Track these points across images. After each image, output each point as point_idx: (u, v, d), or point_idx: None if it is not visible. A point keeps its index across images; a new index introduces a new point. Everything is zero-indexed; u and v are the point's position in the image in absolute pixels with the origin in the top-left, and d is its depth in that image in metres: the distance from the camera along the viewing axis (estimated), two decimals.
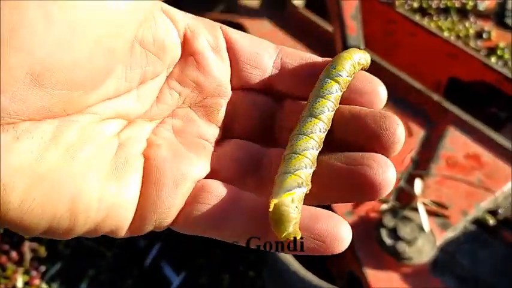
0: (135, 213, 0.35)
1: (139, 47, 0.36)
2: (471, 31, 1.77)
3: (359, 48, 1.05)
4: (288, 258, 1.17)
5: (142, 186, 0.35)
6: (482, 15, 1.83)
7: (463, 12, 1.84)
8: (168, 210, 0.35)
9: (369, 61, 0.45)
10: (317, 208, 0.36)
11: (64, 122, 0.33)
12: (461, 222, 1.22)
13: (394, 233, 1.16)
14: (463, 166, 1.33)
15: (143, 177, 0.36)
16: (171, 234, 1.74)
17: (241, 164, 0.40)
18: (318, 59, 0.43)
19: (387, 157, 0.37)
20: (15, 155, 0.29)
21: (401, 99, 1.48)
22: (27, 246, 1.50)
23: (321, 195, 0.38)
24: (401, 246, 1.13)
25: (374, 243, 1.17)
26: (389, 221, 1.18)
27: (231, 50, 0.42)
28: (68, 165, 0.32)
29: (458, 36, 1.77)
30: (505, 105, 1.61)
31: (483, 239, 1.20)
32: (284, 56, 0.43)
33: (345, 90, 0.41)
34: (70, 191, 0.31)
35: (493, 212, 1.25)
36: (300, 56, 0.43)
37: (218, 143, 0.42)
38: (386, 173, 0.35)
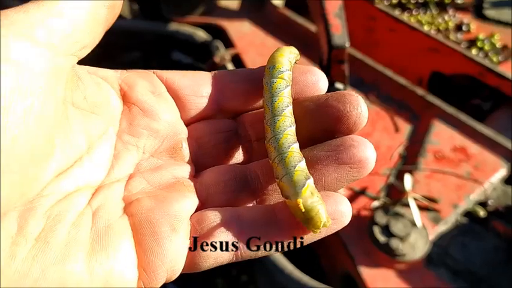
0: (140, 272, 0.33)
1: (73, 108, 0.36)
2: (451, 24, 1.78)
3: (344, 46, 1.05)
4: (282, 260, 1.15)
5: (137, 244, 0.34)
6: (460, 8, 1.84)
7: (441, 6, 1.85)
8: (175, 256, 0.34)
9: (298, 55, 0.47)
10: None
11: (26, 210, 0.31)
12: (453, 215, 1.22)
13: (386, 229, 1.15)
14: (450, 159, 1.34)
15: (135, 235, 0.34)
16: None
17: (227, 184, 0.40)
18: (251, 69, 0.45)
19: (356, 130, 0.40)
20: None
21: (386, 96, 1.48)
22: None
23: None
24: (395, 243, 1.13)
25: (367, 241, 1.16)
26: (381, 218, 1.17)
27: (171, 89, 0.43)
28: (45, 256, 0.30)
29: (438, 30, 1.78)
30: (488, 96, 1.62)
31: (474, 230, 1.20)
32: (220, 77, 0.44)
33: (291, 83, 0.43)
34: (55, 280, 0.30)
35: (483, 204, 1.25)
36: (235, 71, 0.45)
37: (196, 176, 0.41)
38: (366, 150, 0.39)
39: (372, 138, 1.39)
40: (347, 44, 0.97)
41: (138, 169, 0.40)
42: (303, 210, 0.35)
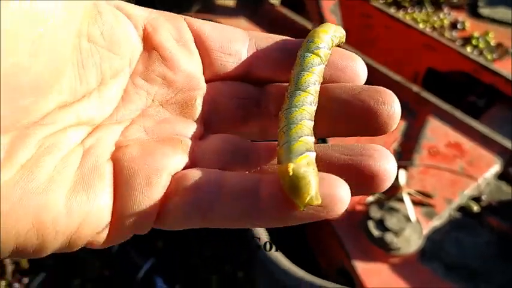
0: (112, 220, 0.32)
1: (87, 43, 0.34)
2: (446, 22, 1.79)
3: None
4: (278, 256, 1.16)
5: (114, 191, 0.32)
6: (455, 6, 1.85)
7: (437, 4, 1.86)
8: (145, 210, 0.32)
9: (344, 36, 0.43)
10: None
11: (19, 135, 0.30)
12: (446, 210, 1.23)
13: (381, 224, 1.16)
14: (445, 155, 1.35)
15: (114, 181, 0.33)
16: (157, 234, 1.72)
17: (225, 154, 0.36)
18: (291, 39, 0.42)
19: (385, 132, 0.36)
20: None
21: None
22: (7, 260, 1.47)
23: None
24: (389, 237, 1.13)
25: (362, 235, 1.17)
26: (375, 212, 1.18)
27: (199, 41, 0.40)
28: (26, 183, 0.29)
29: (433, 28, 1.79)
30: (483, 93, 1.63)
31: (468, 225, 1.21)
32: (257, 40, 0.41)
33: (326, 63, 0.39)
34: (32, 209, 0.29)
35: (476, 199, 1.26)
36: (273, 38, 0.42)
37: (200, 138, 0.38)
38: (388, 164, 0.34)
39: None
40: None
41: (142, 116, 0.37)
42: (291, 174, 0.30)
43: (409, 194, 1.22)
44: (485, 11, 1.82)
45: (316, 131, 0.37)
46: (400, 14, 1.80)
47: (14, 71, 0.27)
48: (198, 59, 0.40)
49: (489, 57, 1.66)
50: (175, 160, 0.34)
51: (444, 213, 1.23)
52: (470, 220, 1.22)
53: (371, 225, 1.16)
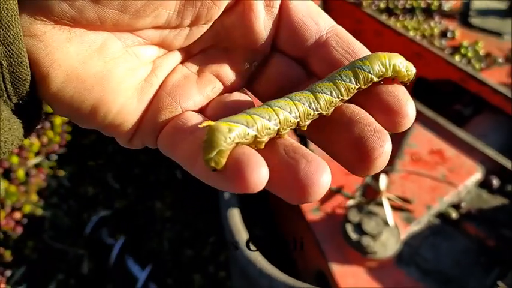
0: (137, 122, 0.40)
1: None
2: (436, 30, 1.80)
3: None
4: (255, 254, 1.17)
5: (148, 104, 0.40)
6: (447, 15, 1.87)
7: (428, 12, 1.88)
8: (153, 128, 0.39)
9: (411, 73, 0.41)
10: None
11: (112, 37, 0.37)
12: (425, 216, 1.24)
13: (359, 228, 1.17)
14: (427, 161, 1.36)
15: (152, 98, 0.40)
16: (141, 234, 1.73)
17: (231, 113, 0.39)
18: (364, 52, 0.41)
19: (367, 170, 0.36)
20: (63, 53, 0.35)
21: None
22: None
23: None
24: (366, 241, 1.14)
25: (340, 238, 1.18)
26: (354, 216, 1.19)
27: (284, 9, 0.41)
28: (103, 76, 0.37)
29: (423, 36, 1.80)
30: (469, 102, 1.64)
31: (446, 232, 1.22)
32: (332, 36, 0.41)
33: (362, 86, 0.39)
34: (97, 96, 0.37)
35: (456, 206, 1.27)
36: (348, 42, 0.41)
37: (231, 91, 0.42)
38: (320, 178, 0.34)
39: None
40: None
41: (203, 52, 0.43)
42: (201, 126, 0.34)
43: (389, 198, 1.23)
44: (476, 20, 1.83)
45: (310, 134, 0.40)
46: (392, 21, 1.81)
47: None
48: (274, 26, 0.42)
49: (477, 66, 1.67)
50: (193, 100, 0.40)
51: (423, 219, 1.23)
52: (449, 227, 1.23)
53: (349, 228, 1.17)
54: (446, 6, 1.88)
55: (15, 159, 1.48)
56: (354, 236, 1.15)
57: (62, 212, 1.70)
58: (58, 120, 1.60)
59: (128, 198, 1.84)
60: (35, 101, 0.37)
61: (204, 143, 0.33)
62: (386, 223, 1.17)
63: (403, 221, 1.22)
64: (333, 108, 0.39)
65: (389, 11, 1.88)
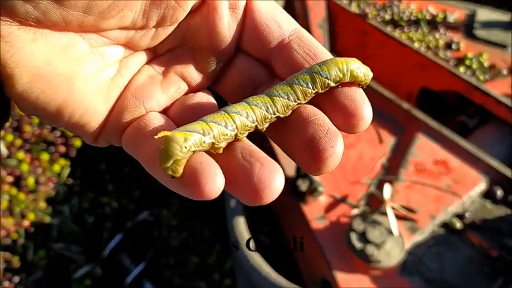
0: (103, 122, 0.40)
1: None
2: (441, 42, 1.82)
3: None
4: (260, 262, 1.18)
5: (114, 105, 0.41)
6: (451, 26, 1.88)
7: (433, 24, 1.89)
8: (117, 128, 0.40)
9: (368, 77, 0.42)
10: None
11: (78, 37, 0.38)
12: (429, 225, 1.25)
13: (363, 236, 1.18)
14: (431, 172, 1.37)
15: (118, 98, 0.41)
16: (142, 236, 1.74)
17: (194, 113, 0.41)
18: (326, 55, 0.42)
19: (319, 169, 0.37)
20: (29, 54, 0.35)
21: (373, 108, 1.50)
22: (0, 257, 1.49)
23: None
24: (371, 249, 1.15)
25: (344, 247, 1.19)
26: (359, 225, 1.20)
27: (248, 11, 0.42)
28: (68, 77, 0.37)
29: (428, 47, 1.82)
30: (474, 114, 1.65)
31: (450, 241, 1.23)
32: (294, 39, 0.42)
33: (320, 91, 0.40)
34: (63, 96, 0.37)
35: (460, 216, 1.28)
36: (309, 45, 0.42)
37: (196, 90, 0.43)
38: (273, 181, 0.35)
39: (355, 148, 1.42)
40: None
41: (171, 51, 0.43)
42: (156, 136, 0.35)
43: (393, 208, 1.24)
44: (480, 32, 1.85)
45: (269, 133, 0.41)
46: (397, 33, 1.83)
47: None
48: (238, 28, 0.43)
49: (481, 77, 1.69)
50: (156, 101, 0.41)
51: (427, 229, 1.24)
52: (453, 236, 1.24)
53: (353, 237, 1.18)
54: (451, 18, 1.90)
55: (25, 167, 1.51)
56: (358, 244, 1.17)
57: (68, 219, 1.72)
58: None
59: (134, 203, 1.86)
60: (2, 101, 0.37)
61: (160, 152, 0.34)
62: (390, 232, 1.19)
63: (407, 231, 1.23)
64: (291, 110, 0.40)
65: (395, 23, 1.90)
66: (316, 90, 0.40)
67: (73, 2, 0.35)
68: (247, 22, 0.42)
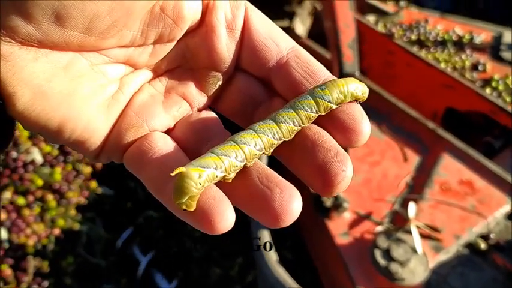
0: (104, 139, 0.41)
1: (159, 11, 0.39)
2: (467, 63, 1.83)
3: (354, 75, 1.12)
4: (283, 275, 1.20)
5: (115, 123, 0.41)
6: (478, 48, 1.90)
7: (459, 45, 1.91)
8: (118, 147, 0.41)
9: (365, 94, 0.43)
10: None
11: (78, 56, 0.38)
12: (454, 245, 1.25)
13: (387, 254, 1.19)
14: (456, 191, 1.37)
15: (119, 116, 0.41)
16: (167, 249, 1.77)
17: (199, 133, 0.42)
18: (323, 72, 0.43)
19: (330, 192, 0.37)
20: (30, 72, 0.36)
21: (398, 127, 1.53)
22: (30, 261, 1.54)
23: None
24: (395, 267, 1.16)
25: (368, 263, 1.20)
26: (383, 242, 1.21)
27: (246, 31, 0.43)
28: (69, 94, 0.38)
29: (454, 68, 1.83)
30: (499, 135, 1.65)
31: (474, 262, 1.23)
32: (292, 57, 0.43)
33: (322, 113, 0.41)
34: (64, 114, 0.38)
35: (484, 237, 1.28)
36: (307, 63, 0.43)
37: (199, 110, 0.44)
38: (291, 205, 0.36)
39: (380, 166, 1.44)
40: (357, 73, 1.04)
41: (170, 72, 0.44)
42: (172, 174, 0.35)
43: (418, 226, 1.25)
44: (507, 54, 1.86)
45: (277, 155, 0.41)
46: (423, 53, 1.85)
47: (92, 17, 0.36)
48: (237, 47, 0.43)
49: (508, 99, 1.69)
50: (160, 120, 0.42)
51: (451, 248, 1.25)
52: (477, 257, 1.24)
53: (377, 254, 1.19)
54: (478, 40, 1.92)
55: (58, 176, 1.56)
56: (382, 261, 1.18)
57: (97, 226, 1.76)
58: None
59: (159, 212, 1.90)
60: (5, 119, 0.37)
61: (175, 187, 0.35)
62: (414, 250, 1.19)
63: (432, 250, 1.24)
64: (294, 134, 0.40)
65: (421, 43, 1.93)
66: (319, 113, 0.40)
67: (73, 23, 0.35)
68: (245, 41, 0.43)
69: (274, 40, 0.43)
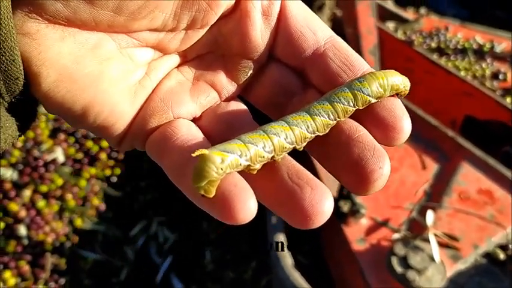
0: (128, 124, 0.40)
1: None
2: (487, 72, 1.82)
3: None
4: (298, 278, 1.20)
5: (141, 107, 0.40)
6: (498, 57, 1.88)
7: (480, 54, 1.90)
8: (141, 134, 0.40)
9: (407, 87, 0.41)
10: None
11: (106, 37, 0.37)
12: (472, 255, 1.24)
13: (404, 261, 1.18)
14: (475, 201, 1.36)
15: (144, 102, 0.40)
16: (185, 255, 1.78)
17: (226, 123, 0.40)
18: (362, 65, 0.40)
19: (365, 190, 0.36)
20: (56, 52, 0.34)
21: (417, 134, 1.52)
22: (48, 258, 1.56)
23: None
24: (412, 275, 1.15)
25: (384, 270, 1.19)
26: (400, 249, 1.20)
27: (282, 18, 0.41)
28: (96, 77, 0.36)
29: (474, 76, 1.82)
30: None
31: (493, 272, 1.22)
32: (330, 47, 0.41)
33: (360, 107, 0.38)
34: (89, 97, 0.37)
35: (503, 247, 1.27)
36: (346, 54, 0.40)
37: (228, 100, 0.43)
38: (323, 206, 0.34)
39: (398, 173, 1.43)
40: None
41: (200, 58, 0.43)
42: (193, 155, 0.33)
43: (436, 235, 1.25)
44: None
45: (309, 149, 0.39)
46: (443, 61, 1.85)
47: None
48: (272, 34, 0.41)
49: None
50: (186, 108, 0.41)
51: (469, 258, 1.24)
52: (495, 267, 1.23)
53: (394, 261, 1.19)
54: (498, 49, 1.90)
55: (83, 183, 1.59)
56: (399, 269, 1.17)
57: (113, 226, 1.78)
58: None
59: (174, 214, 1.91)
60: (29, 100, 0.36)
61: (195, 170, 0.33)
62: (432, 259, 1.18)
63: (449, 259, 1.23)
64: (329, 128, 0.38)
65: (441, 51, 1.92)
66: (357, 107, 0.38)
67: (104, 1, 0.34)
68: (281, 29, 0.41)
69: (311, 28, 0.41)
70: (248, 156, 0.35)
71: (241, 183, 0.34)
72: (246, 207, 0.32)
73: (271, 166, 0.37)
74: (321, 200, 0.34)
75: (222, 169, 0.33)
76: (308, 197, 0.34)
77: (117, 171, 1.69)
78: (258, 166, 0.36)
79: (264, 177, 0.36)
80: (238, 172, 0.35)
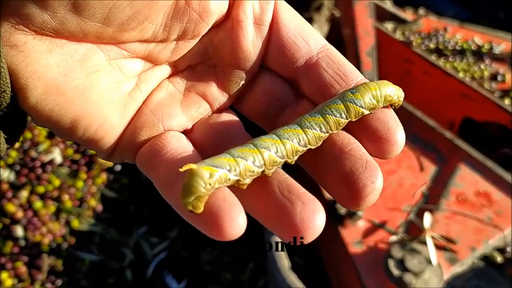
0: (117, 138, 0.39)
1: (184, 3, 0.37)
2: (486, 73, 1.82)
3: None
4: (295, 280, 1.20)
5: (130, 120, 0.39)
6: (497, 58, 1.88)
7: (478, 55, 1.89)
8: (132, 145, 0.39)
9: (401, 98, 0.40)
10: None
11: (95, 49, 0.36)
12: (469, 257, 1.24)
13: (401, 264, 1.18)
14: (472, 203, 1.36)
15: (134, 114, 0.39)
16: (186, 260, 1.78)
17: (218, 135, 0.40)
18: (355, 75, 0.39)
19: (357, 204, 0.35)
20: (43, 64, 0.33)
21: (415, 136, 1.52)
22: (45, 260, 1.55)
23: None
24: (409, 278, 1.15)
25: (381, 273, 1.19)
26: (397, 252, 1.20)
27: (274, 27, 0.40)
28: (84, 89, 0.35)
29: (473, 78, 1.82)
30: None
31: (490, 275, 1.22)
32: (323, 57, 0.40)
33: (353, 120, 0.37)
34: (78, 110, 0.36)
35: (501, 250, 1.27)
36: (339, 64, 0.39)
37: (219, 111, 0.42)
38: (314, 221, 0.34)
39: (396, 175, 1.43)
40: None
41: (192, 68, 0.42)
42: (181, 169, 0.32)
43: (433, 237, 1.24)
44: None
45: (302, 160, 0.38)
46: (441, 62, 1.84)
47: (112, 7, 0.34)
48: (264, 44, 0.40)
49: None
50: (176, 121, 0.40)
51: (467, 260, 1.23)
52: (493, 270, 1.23)
53: (391, 264, 1.18)
54: (497, 50, 1.90)
55: (81, 184, 1.58)
56: (396, 271, 1.17)
57: (111, 227, 1.78)
58: None
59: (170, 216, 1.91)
60: (17, 112, 0.35)
61: (183, 185, 0.32)
62: (429, 261, 1.18)
63: (447, 261, 1.23)
64: (322, 141, 0.37)
65: (439, 52, 1.91)
66: (350, 119, 0.37)
67: (91, 12, 0.33)
68: (273, 39, 0.40)
69: (304, 38, 0.40)
70: (237, 171, 0.34)
71: (231, 197, 0.33)
72: (235, 223, 0.32)
73: (262, 179, 0.36)
74: (312, 215, 0.33)
75: (210, 184, 0.32)
76: (299, 213, 0.33)
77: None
78: (247, 181, 0.35)
79: (255, 191, 0.35)
80: (228, 186, 0.34)
